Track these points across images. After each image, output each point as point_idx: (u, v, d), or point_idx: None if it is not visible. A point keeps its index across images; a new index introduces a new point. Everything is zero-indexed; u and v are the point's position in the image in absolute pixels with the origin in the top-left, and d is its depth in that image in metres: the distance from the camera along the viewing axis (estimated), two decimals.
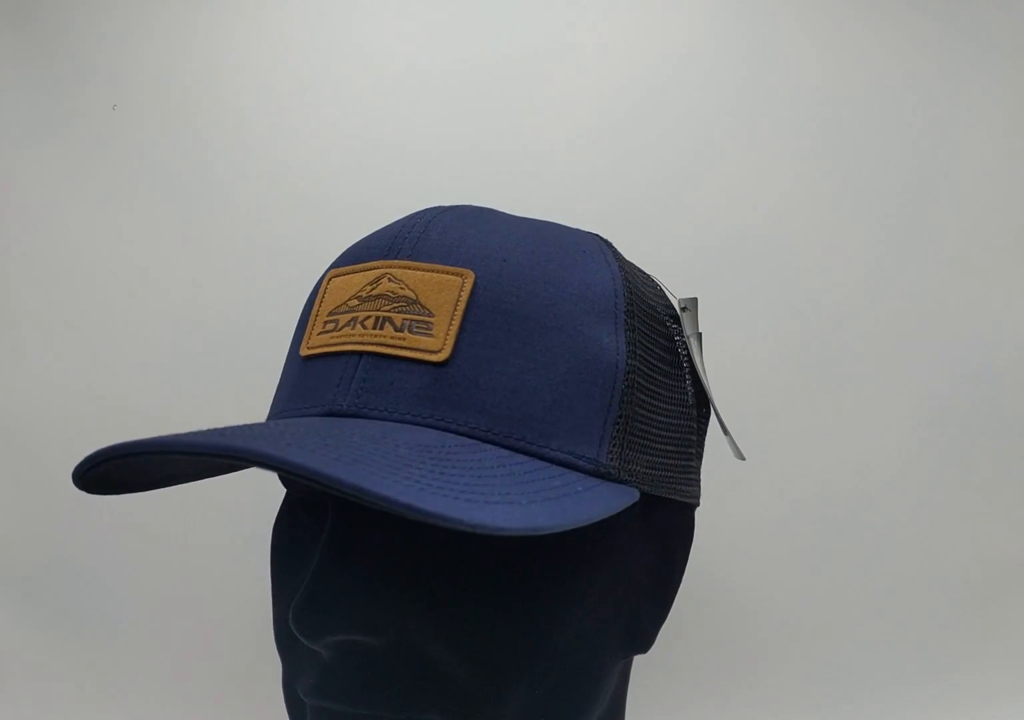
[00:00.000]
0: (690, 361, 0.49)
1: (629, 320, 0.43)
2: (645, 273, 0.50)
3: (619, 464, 0.41)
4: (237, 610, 0.90)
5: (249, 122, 0.96)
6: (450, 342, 0.41)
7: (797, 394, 0.95)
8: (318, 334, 0.44)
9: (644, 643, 0.48)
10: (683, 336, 0.49)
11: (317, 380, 0.43)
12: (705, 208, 0.96)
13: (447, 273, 0.42)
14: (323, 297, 0.45)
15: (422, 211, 0.47)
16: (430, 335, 0.41)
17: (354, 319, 0.43)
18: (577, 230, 0.48)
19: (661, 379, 0.45)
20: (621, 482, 0.41)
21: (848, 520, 0.94)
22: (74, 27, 0.95)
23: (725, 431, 0.50)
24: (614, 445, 0.41)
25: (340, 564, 0.40)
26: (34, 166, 0.97)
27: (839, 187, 0.97)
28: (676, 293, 0.53)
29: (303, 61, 0.96)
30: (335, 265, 0.47)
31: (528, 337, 0.41)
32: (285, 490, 0.48)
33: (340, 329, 0.43)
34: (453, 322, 0.41)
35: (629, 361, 0.42)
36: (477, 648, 0.41)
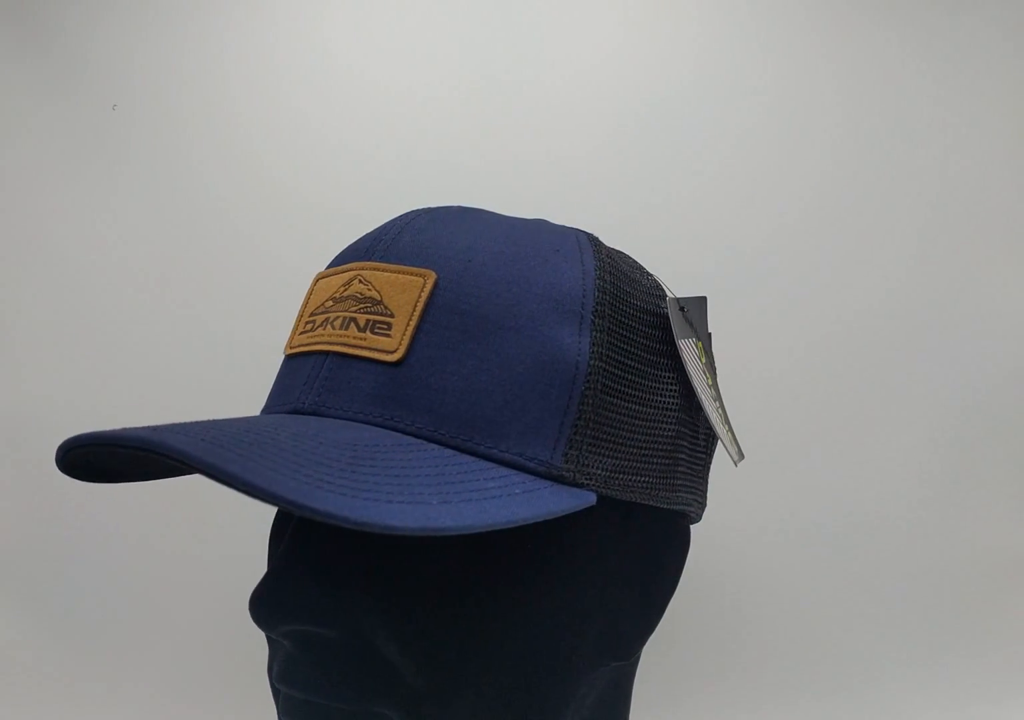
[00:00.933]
0: (682, 363, 0.47)
1: (598, 320, 0.42)
2: (643, 273, 0.49)
3: (576, 467, 0.40)
4: (239, 607, 0.92)
5: (249, 123, 0.96)
6: (405, 342, 0.41)
7: (812, 402, 0.95)
8: (299, 334, 0.45)
9: (625, 652, 0.46)
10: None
11: (292, 378, 0.44)
12: (722, 218, 0.95)
13: (410, 274, 0.43)
14: (308, 298, 0.47)
15: (406, 213, 0.48)
16: (388, 335, 0.42)
17: (327, 319, 0.44)
18: (562, 229, 0.47)
19: (639, 381, 0.44)
20: (577, 485, 0.40)
21: (860, 528, 0.95)
22: (74, 27, 0.96)
23: (715, 433, 0.48)
24: (571, 447, 0.40)
25: (297, 557, 0.42)
26: (33, 165, 0.97)
27: (857, 199, 0.96)
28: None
29: (304, 63, 0.96)
30: (327, 267, 0.48)
31: (484, 338, 0.41)
32: None
33: (315, 329, 0.44)
34: (410, 323, 0.41)
35: (593, 362, 0.41)
36: (423, 646, 0.41)
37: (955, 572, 0.95)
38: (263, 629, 0.40)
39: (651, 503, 0.44)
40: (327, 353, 0.43)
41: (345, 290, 0.44)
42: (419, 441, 0.39)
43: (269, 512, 0.51)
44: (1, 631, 0.96)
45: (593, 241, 0.46)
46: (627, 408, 0.43)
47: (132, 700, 0.92)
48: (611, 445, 0.42)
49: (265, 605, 0.40)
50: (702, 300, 0.51)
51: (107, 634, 0.95)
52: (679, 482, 0.47)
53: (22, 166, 0.97)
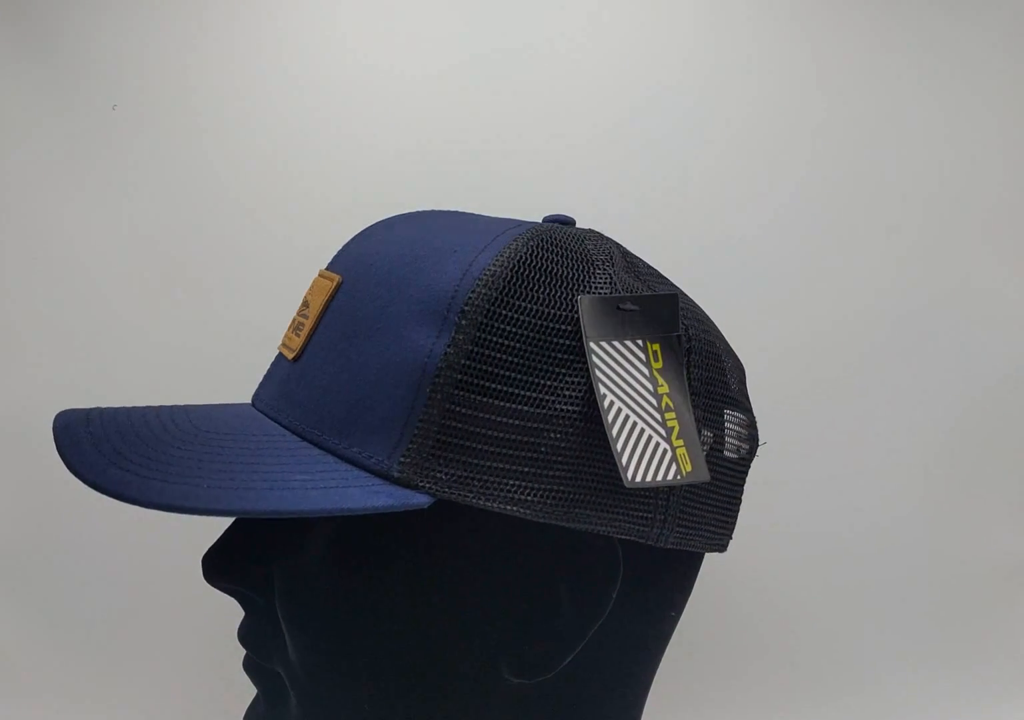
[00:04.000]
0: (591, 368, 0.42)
1: (463, 321, 0.40)
2: (590, 271, 0.44)
3: (412, 469, 0.40)
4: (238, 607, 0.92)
5: (250, 122, 0.95)
6: (302, 343, 0.46)
7: (811, 404, 0.96)
8: None
9: (527, 669, 0.44)
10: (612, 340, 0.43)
11: None
12: (718, 213, 0.95)
13: (328, 279, 0.47)
14: None
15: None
16: (299, 336, 0.46)
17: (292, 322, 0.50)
18: (498, 227, 0.45)
19: (516, 385, 0.40)
20: (413, 487, 0.40)
21: (861, 531, 0.96)
22: (74, 27, 0.95)
23: (612, 445, 0.41)
24: (411, 448, 0.40)
25: (239, 527, 0.49)
26: (33, 165, 0.98)
27: (858, 196, 0.95)
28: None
29: (305, 61, 0.94)
30: None
31: (354, 339, 0.43)
32: None
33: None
34: (312, 325, 0.46)
35: (444, 364, 0.40)
36: (294, 628, 0.45)
37: (957, 576, 0.96)
38: (207, 582, 0.48)
39: (527, 517, 0.41)
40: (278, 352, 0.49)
41: (306, 296, 0.50)
42: (284, 433, 0.43)
43: None
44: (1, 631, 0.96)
45: (524, 239, 0.44)
46: (494, 414, 0.41)
47: (132, 700, 0.94)
48: (463, 449, 0.40)
49: (206, 563, 0.48)
50: (667, 298, 0.45)
51: (107, 633, 0.95)
52: (583, 498, 0.42)
53: (22, 166, 0.97)
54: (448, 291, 0.42)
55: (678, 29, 0.94)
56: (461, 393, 0.40)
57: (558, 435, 0.41)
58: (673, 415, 0.43)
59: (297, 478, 0.40)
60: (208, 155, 0.95)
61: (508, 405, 0.41)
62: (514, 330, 0.41)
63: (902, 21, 0.94)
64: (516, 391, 0.41)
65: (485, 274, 0.42)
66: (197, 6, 0.95)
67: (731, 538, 0.52)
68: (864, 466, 0.95)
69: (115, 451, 0.40)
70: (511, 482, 0.41)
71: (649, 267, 0.51)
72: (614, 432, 0.42)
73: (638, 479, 0.41)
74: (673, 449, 0.43)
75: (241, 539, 0.49)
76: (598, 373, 0.42)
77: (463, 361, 0.40)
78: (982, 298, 0.96)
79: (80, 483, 0.45)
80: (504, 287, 0.41)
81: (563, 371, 0.42)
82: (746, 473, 0.52)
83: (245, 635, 0.49)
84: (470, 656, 0.44)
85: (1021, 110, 0.95)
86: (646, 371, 0.43)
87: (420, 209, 0.52)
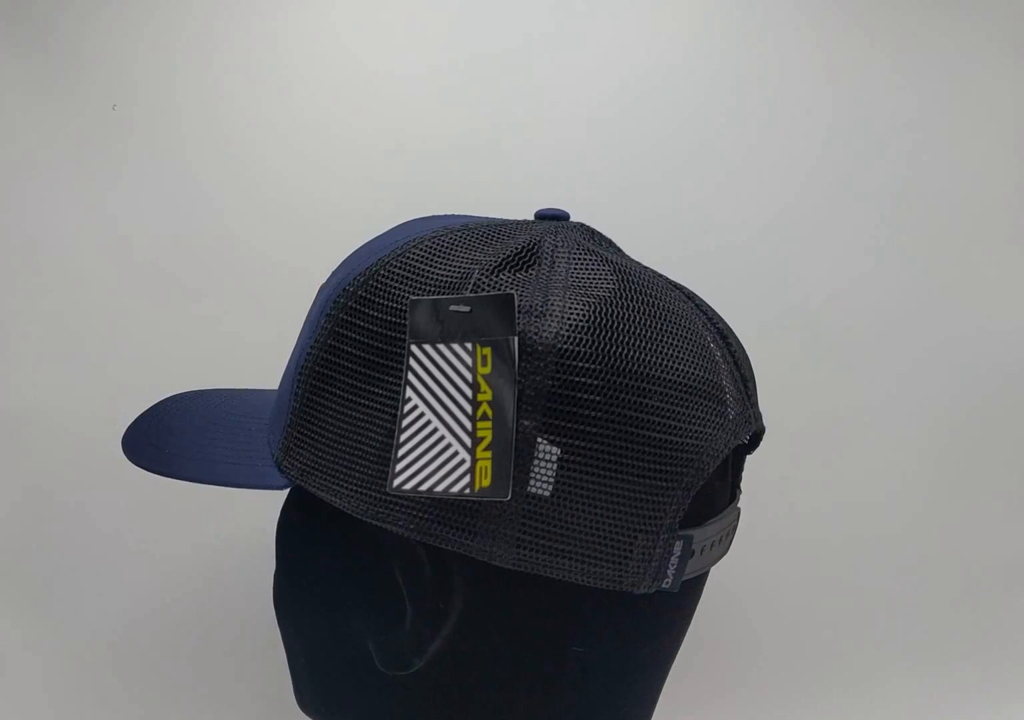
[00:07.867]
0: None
1: (325, 321, 0.44)
2: (467, 275, 0.43)
3: (283, 454, 0.45)
4: (237, 608, 0.85)
5: (250, 123, 0.90)
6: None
7: (811, 405, 0.96)
8: None
9: (388, 662, 0.44)
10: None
11: None
12: (702, 210, 0.95)
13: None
14: None
15: None
16: None
17: None
18: (427, 228, 0.47)
19: (355, 383, 0.42)
20: (282, 471, 0.46)
21: (859, 531, 0.97)
22: (74, 26, 0.91)
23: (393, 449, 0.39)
24: (284, 436, 0.46)
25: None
26: (32, 166, 0.93)
27: (854, 192, 0.97)
28: None
29: (305, 62, 0.87)
30: None
31: (299, 337, 0.50)
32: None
33: None
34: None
35: (308, 360, 0.45)
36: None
37: (958, 577, 0.98)
38: None
39: (357, 515, 0.42)
40: None
41: None
42: (262, 418, 0.52)
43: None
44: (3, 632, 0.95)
45: (421, 239, 0.45)
46: (336, 410, 0.43)
47: (133, 700, 0.92)
48: (313, 441, 0.44)
49: None
50: (500, 299, 0.40)
51: (108, 633, 0.93)
52: (395, 501, 0.41)
53: (22, 166, 0.95)
54: (328, 292, 0.46)
55: (677, 28, 0.94)
56: (315, 388, 0.45)
57: (381, 435, 0.42)
58: (488, 424, 0.40)
59: (227, 455, 0.49)
60: (209, 154, 0.94)
61: (348, 402, 0.44)
62: (362, 333, 0.43)
63: (902, 22, 0.95)
64: (355, 390, 0.43)
65: (359, 276, 0.45)
66: (198, 6, 0.94)
67: (662, 579, 0.42)
68: (864, 467, 0.97)
69: (157, 422, 0.55)
70: (340, 474, 0.43)
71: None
72: (403, 437, 0.41)
73: (406, 486, 0.40)
74: (473, 461, 0.40)
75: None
76: (410, 376, 0.42)
77: (321, 359, 0.45)
78: (983, 298, 0.97)
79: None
80: (370, 289, 0.44)
81: (393, 373, 0.43)
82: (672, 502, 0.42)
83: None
84: (349, 638, 0.47)
85: None
86: (468, 376, 0.41)
87: (419, 209, 0.55)
